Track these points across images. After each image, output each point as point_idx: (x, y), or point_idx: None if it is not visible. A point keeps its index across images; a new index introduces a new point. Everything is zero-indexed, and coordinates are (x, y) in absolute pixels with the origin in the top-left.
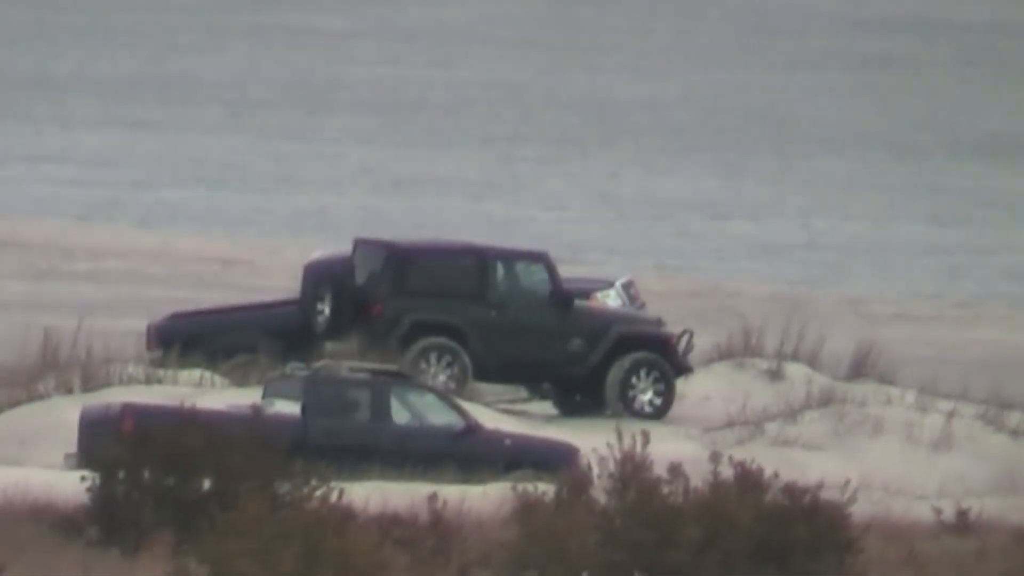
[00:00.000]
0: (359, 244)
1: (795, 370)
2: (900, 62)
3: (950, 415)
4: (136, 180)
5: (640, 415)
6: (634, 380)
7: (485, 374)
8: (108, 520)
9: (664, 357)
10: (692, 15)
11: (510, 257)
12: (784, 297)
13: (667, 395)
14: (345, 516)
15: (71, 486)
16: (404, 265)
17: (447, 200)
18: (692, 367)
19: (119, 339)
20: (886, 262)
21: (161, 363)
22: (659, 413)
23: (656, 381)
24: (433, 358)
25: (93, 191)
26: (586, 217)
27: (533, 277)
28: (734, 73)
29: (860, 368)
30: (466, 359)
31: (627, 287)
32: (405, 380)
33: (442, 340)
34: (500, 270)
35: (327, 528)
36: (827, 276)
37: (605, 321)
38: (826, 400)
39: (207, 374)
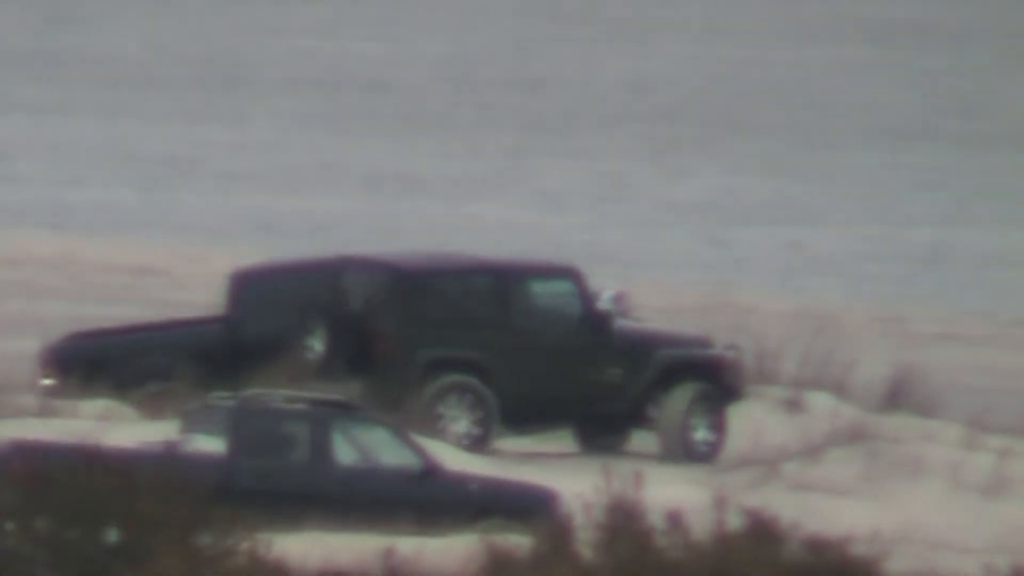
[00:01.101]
0: (351, 264)
1: (818, 400)
2: (934, 31)
3: (1003, 454)
4: (26, 173)
5: (695, 457)
6: (690, 415)
7: (511, 416)
8: None
9: (716, 384)
10: None
11: (534, 273)
12: (807, 313)
13: (721, 430)
14: (277, 574)
15: None
16: (414, 291)
17: (410, 200)
18: (744, 391)
19: (8, 364)
20: (929, 273)
21: (59, 392)
22: (712, 452)
23: (708, 414)
24: (453, 400)
25: None
26: (585, 219)
27: (561, 296)
28: (743, 49)
29: (896, 398)
30: (491, 400)
31: (617, 300)
32: (351, 412)
33: (463, 378)
34: (523, 290)
35: None
36: (860, 289)
37: (647, 344)
38: (855, 436)
39: (114, 405)
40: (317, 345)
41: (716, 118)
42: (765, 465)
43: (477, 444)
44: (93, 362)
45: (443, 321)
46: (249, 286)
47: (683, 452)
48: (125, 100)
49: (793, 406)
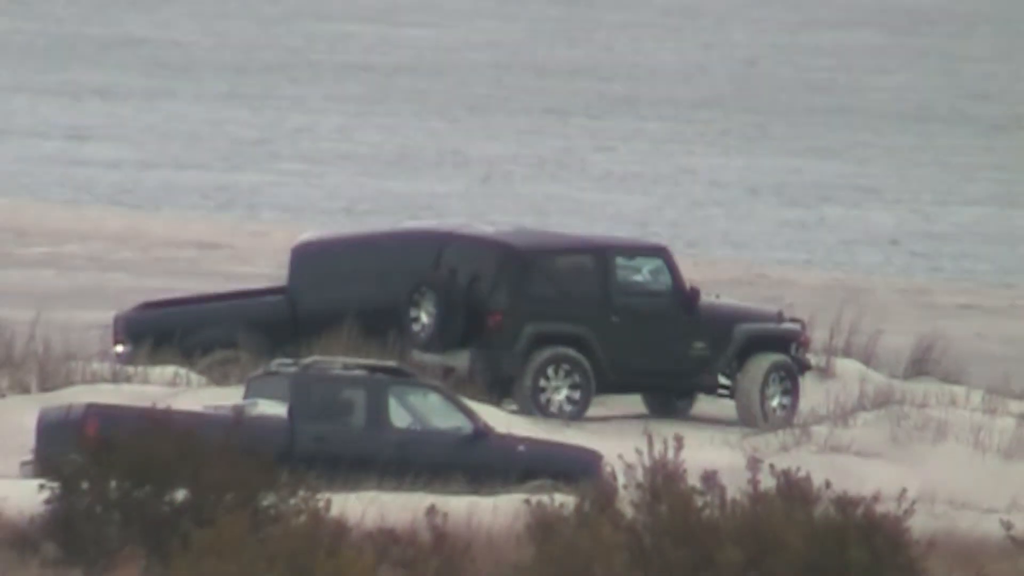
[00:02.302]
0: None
1: (847, 367)
2: (948, 21)
3: (1022, 418)
4: (99, 156)
5: (773, 422)
6: (767, 384)
7: (607, 386)
8: (68, 536)
9: (789, 356)
10: None
11: (629, 251)
12: (837, 285)
13: (794, 400)
14: (337, 533)
15: (27, 498)
16: (524, 269)
17: (458, 180)
18: (811, 363)
19: (82, 333)
20: (949, 249)
21: (131, 359)
22: (788, 418)
23: (784, 385)
24: (557, 371)
25: (52, 168)
26: (650, 200)
27: (653, 273)
28: (759, 35)
29: (921, 365)
30: (590, 371)
31: None
32: (406, 378)
33: (566, 351)
34: (620, 268)
35: (317, 547)
36: (888, 264)
37: (728, 319)
38: (882, 401)
39: (182, 372)
40: (424, 318)
41: (757, 103)
42: (797, 429)
43: (576, 412)
44: (162, 331)
45: (548, 297)
46: (309, 258)
47: (762, 418)
48: (189, 85)
49: (824, 373)
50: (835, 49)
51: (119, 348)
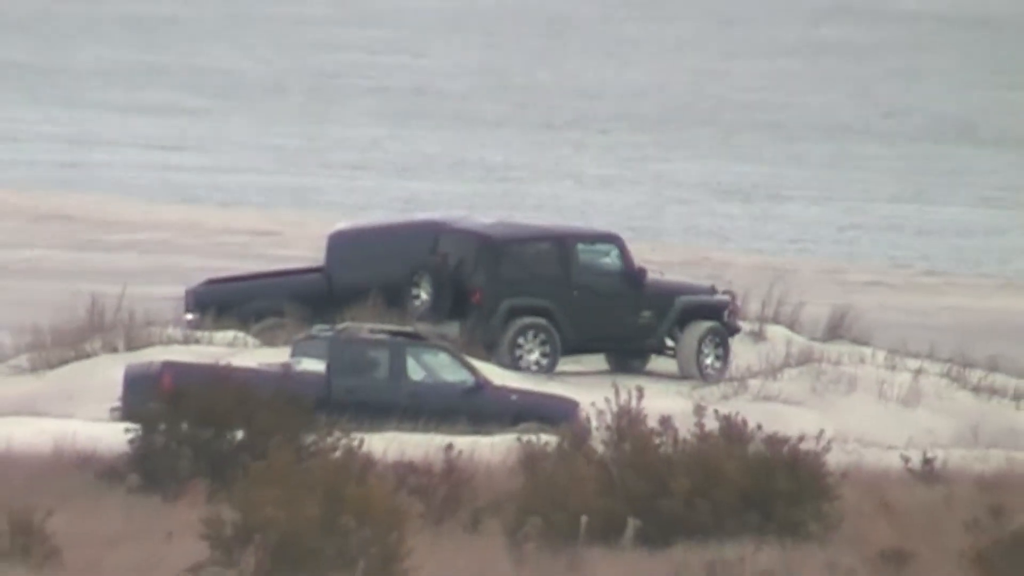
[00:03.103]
0: (446, 232)
1: (776, 331)
2: (854, 49)
3: (918, 373)
4: (171, 161)
5: (707, 378)
6: (702, 346)
7: (570, 348)
8: (148, 469)
9: (720, 323)
10: (654, 5)
11: (588, 239)
12: (768, 266)
13: (726, 357)
14: (365, 465)
15: (115, 438)
16: (498, 254)
17: (466, 182)
18: (740, 327)
19: (158, 304)
20: (861, 237)
21: (197, 325)
22: (720, 374)
23: (717, 347)
24: (529, 336)
25: (133, 170)
26: (612, 196)
27: (608, 257)
28: (705, 62)
29: (836, 330)
30: (556, 336)
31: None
32: (421, 340)
33: (536, 320)
34: (580, 252)
35: (348, 476)
36: (809, 248)
37: (669, 293)
38: (804, 359)
39: (240, 335)
40: (424, 295)
41: (698, 118)
42: (735, 381)
43: (546, 369)
44: (223, 302)
45: (520, 277)
46: (343, 244)
47: (698, 374)
48: (249, 105)
49: (757, 336)
50: (765, 74)
51: (188, 316)
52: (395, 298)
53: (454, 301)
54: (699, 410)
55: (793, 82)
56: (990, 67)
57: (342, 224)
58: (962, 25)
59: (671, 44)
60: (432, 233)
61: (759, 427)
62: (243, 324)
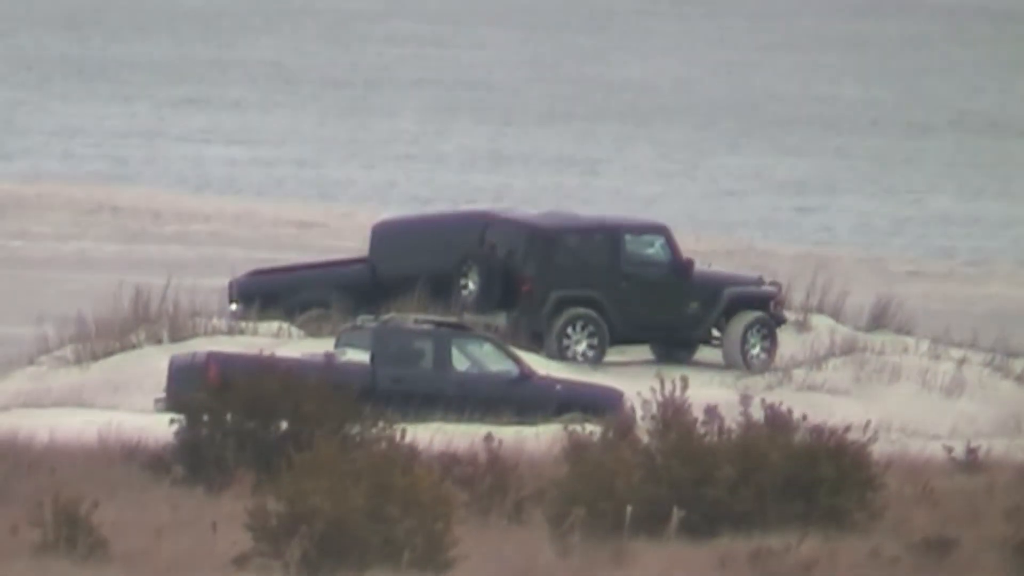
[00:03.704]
0: (493, 222)
1: (820, 321)
2: (881, 43)
3: (961, 363)
4: (221, 154)
5: (753, 368)
6: (747, 336)
7: (618, 339)
8: (194, 460)
9: (767, 313)
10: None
11: (636, 230)
12: (811, 256)
13: (772, 347)
14: (410, 456)
15: (160, 429)
16: (548, 245)
17: (514, 176)
18: (787, 318)
19: (204, 295)
20: (905, 228)
21: (242, 315)
22: (766, 364)
23: (763, 337)
24: (578, 327)
25: (180, 163)
26: (659, 188)
27: (655, 247)
28: (743, 55)
29: (879, 320)
30: (604, 327)
31: None
32: (465, 331)
33: (584, 311)
34: (628, 243)
35: (394, 467)
36: (851, 237)
37: (717, 284)
38: (848, 349)
39: (284, 326)
40: (472, 285)
41: (740, 113)
42: (780, 371)
43: (593, 360)
44: (267, 293)
45: (569, 268)
46: (387, 235)
47: (743, 364)
48: (298, 98)
49: (801, 326)
50: (802, 67)
51: (233, 307)
52: (440, 289)
53: (502, 292)
54: (745, 399)
55: (832, 75)
56: (1014, 60)
57: (385, 216)
58: (994, 18)
59: (711, 38)
60: (476, 225)
61: (804, 417)
62: (288, 315)
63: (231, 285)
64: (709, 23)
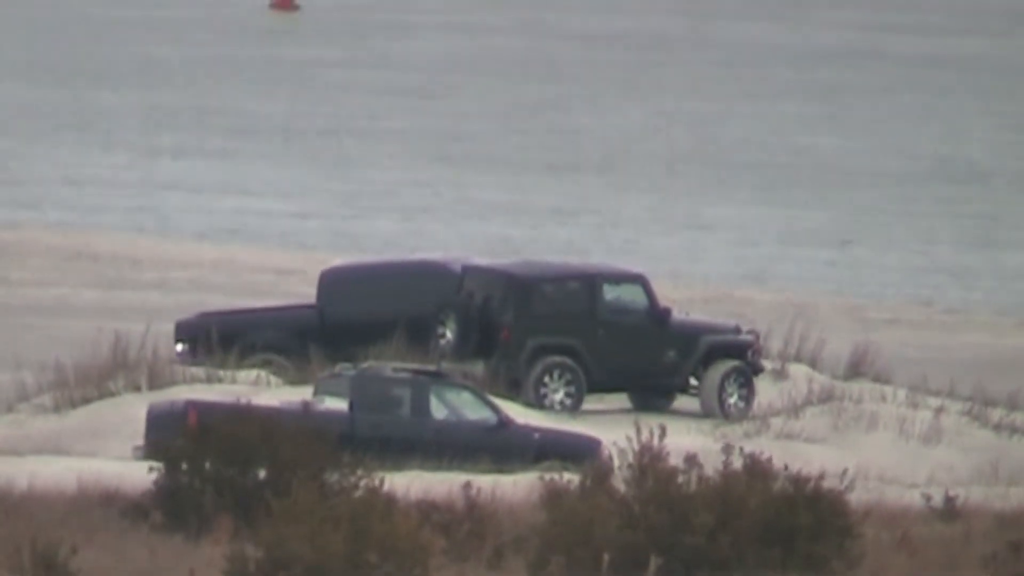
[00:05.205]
0: (470, 270)
1: (798, 370)
2: (854, 90)
3: (938, 411)
4: (197, 202)
5: (730, 416)
6: (725, 385)
7: (595, 387)
8: (172, 506)
9: (745, 362)
10: (657, 49)
11: (613, 278)
12: (788, 304)
13: (750, 396)
14: (389, 503)
15: (139, 475)
16: (526, 293)
17: (489, 224)
18: (764, 367)
19: None
20: (880, 276)
21: (189, 357)
22: (744, 413)
23: (741, 386)
24: (555, 375)
25: (162, 209)
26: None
27: (632, 296)
28: (709, 105)
29: (857, 368)
30: (582, 375)
31: None
32: (443, 379)
33: (561, 359)
34: (606, 291)
35: (373, 513)
36: (828, 286)
37: (694, 332)
38: (826, 397)
39: (263, 374)
40: (449, 334)
41: (717, 162)
42: (758, 420)
43: (571, 409)
44: (215, 334)
45: (546, 316)
46: (335, 281)
47: (719, 412)
48: (271, 146)
49: (779, 374)
50: (769, 116)
51: (179, 347)
52: (387, 334)
53: (480, 340)
54: (728, 448)
55: (800, 124)
56: (983, 108)
57: (337, 261)
58: (957, 65)
59: (679, 87)
60: (423, 272)
61: (785, 467)
62: (236, 357)
63: (177, 326)
64: (673, 72)
